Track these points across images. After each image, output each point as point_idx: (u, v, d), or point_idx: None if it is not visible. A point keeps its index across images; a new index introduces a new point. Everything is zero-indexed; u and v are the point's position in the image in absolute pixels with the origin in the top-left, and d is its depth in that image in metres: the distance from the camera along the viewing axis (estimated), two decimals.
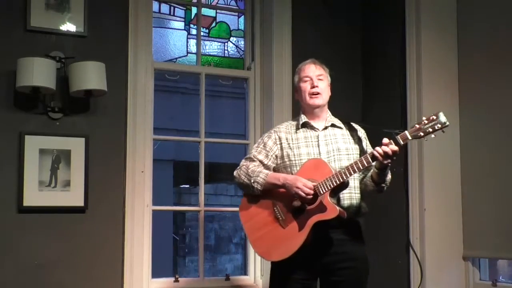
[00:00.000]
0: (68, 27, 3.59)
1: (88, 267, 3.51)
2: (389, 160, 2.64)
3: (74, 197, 3.49)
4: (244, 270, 4.17)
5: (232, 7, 4.58)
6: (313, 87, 2.88)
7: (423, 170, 3.75)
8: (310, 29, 4.24)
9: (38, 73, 3.27)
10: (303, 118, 2.94)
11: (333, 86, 4.23)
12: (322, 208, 2.67)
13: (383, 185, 2.86)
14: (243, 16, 4.44)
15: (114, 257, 3.57)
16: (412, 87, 3.85)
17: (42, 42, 3.51)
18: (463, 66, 3.84)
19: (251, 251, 4.03)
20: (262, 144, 2.95)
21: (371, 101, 4.26)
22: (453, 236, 3.76)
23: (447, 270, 3.73)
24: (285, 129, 2.97)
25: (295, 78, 2.99)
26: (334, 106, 4.18)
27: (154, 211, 3.81)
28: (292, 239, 2.72)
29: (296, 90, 2.99)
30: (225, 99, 7.85)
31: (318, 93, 2.88)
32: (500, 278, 3.80)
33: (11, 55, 3.38)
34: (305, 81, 2.91)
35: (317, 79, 2.90)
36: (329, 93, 2.96)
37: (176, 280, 3.84)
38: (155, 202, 3.84)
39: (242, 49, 4.53)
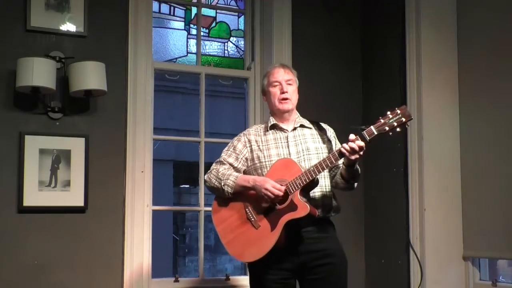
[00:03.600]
0: (68, 27, 3.59)
1: (88, 267, 3.51)
2: (357, 156, 2.65)
3: (74, 197, 3.49)
4: (244, 270, 4.17)
5: (232, 7, 4.59)
6: (282, 92, 2.92)
7: (423, 170, 3.75)
8: (310, 29, 4.24)
9: (38, 73, 3.27)
10: (272, 121, 2.97)
11: (333, 86, 4.26)
12: (292, 207, 2.69)
13: (353, 181, 2.86)
14: (243, 16, 4.44)
15: (114, 257, 3.57)
16: (412, 87, 3.85)
17: (42, 42, 3.51)
18: (463, 66, 3.84)
19: None
20: (232, 148, 2.98)
21: (371, 101, 4.26)
22: (453, 236, 3.76)
23: (447, 270, 3.73)
24: (254, 131, 3.00)
25: (264, 81, 3.03)
26: (334, 106, 4.21)
27: (154, 211, 3.80)
28: (264, 239, 2.74)
29: (265, 93, 3.02)
30: (225, 99, 7.86)
31: (287, 98, 2.92)
32: (500, 278, 3.80)
33: (11, 55, 3.38)
34: (275, 86, 2.94)
35: (286, 84, 2.93)
36: (297, 97, 3.00)
37: (176, 280, 3.84)
38: (155, 202, 3.84)
39: (242, 49, 4.54)
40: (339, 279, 2.84)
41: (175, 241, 9.37)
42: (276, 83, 2.94)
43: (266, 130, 2.97)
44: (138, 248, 3.63)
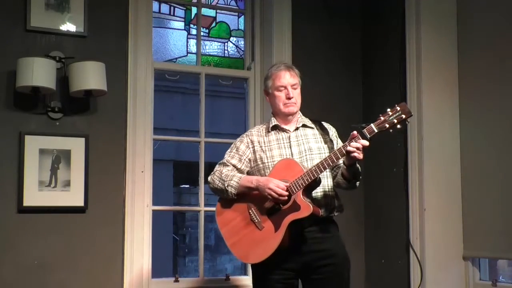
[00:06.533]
0: (68, 27, 3.59)
1: (88, 267, 3.51)
2: (360, 155, 2.63)
3: (74, 197, 3.49)
4: (244, 270, 4.17)
5: (232, 7, 4.59)
6: (288, 98, 2.90)
7: (423, 170, 3.75)
8: (310, 29, 4.24)
9: (38, 73, 3.27)
10: (274, 121, 2.97)
11: (333, 86, 4.27)
12: (296, 207, 2.69)
13: (354, 180, 2.84)
14: (243, 16, 4.44)
15: (114, 257, 3.57)
16: (412, 87, 3.85)
17: (42, 42, 3.51)
18: (463, 66, 3.83)
19: None
20: (235, 149, 2.97)
21: (371, 101, 4.26)
22: (453, 236, 3.76)
23: (447, 270, 3.73)
24: (257, 132, 3.00)
25: (267, 82, 2.97)
26: (334, 106, 4.21)
27: (154, 211, 3.80)
28: (268, 240, 2.74)
29: (268, 94, 2.99)
30: (225, 99, 7.86)
31: (293, 103, 2.91)
32: (500, 278, 3.80)
33: (11, 55, 3.38)
34: (280, 90, 2.92)
35: (292, 88, 2.92)
36: (301, 98, 2.97)
37: (176, 280, 3.84)
38: (155, 202, 3.84)
39: (242, 49, 4.54)
40: (341, 279, 2.84)
41: (175, 241, 9.37)
42: (282, 88, 2.91)
43: (268, 131, 2.96)
44: (138, 248, 3.63)
